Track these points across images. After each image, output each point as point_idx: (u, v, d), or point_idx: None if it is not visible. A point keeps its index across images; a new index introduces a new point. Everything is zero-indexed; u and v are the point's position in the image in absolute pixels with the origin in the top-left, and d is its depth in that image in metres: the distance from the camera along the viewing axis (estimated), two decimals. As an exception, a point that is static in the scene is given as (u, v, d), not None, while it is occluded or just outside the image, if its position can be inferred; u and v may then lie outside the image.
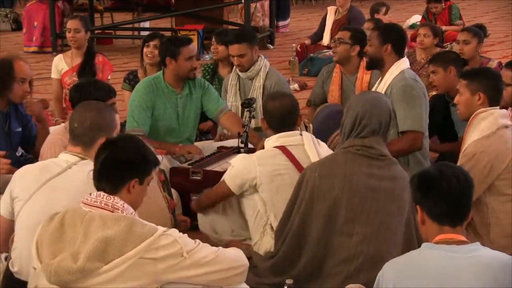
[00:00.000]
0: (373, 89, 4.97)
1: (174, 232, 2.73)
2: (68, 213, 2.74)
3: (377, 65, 4.87)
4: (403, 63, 4.78)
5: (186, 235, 2.79)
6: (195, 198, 4.35)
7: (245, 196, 4.01)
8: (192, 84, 5.11)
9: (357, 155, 3.46)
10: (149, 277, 2.67)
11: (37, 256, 2.73)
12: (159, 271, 2.67)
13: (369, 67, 5.03)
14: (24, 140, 4.76)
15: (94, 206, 2.74)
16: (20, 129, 4.69)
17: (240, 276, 2.91)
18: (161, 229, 2.71)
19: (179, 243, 2.70)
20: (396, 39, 4.78)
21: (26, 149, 4.85)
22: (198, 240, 2.82)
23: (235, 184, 3.97)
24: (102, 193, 2.77)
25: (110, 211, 2.73)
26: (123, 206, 2.76)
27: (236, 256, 2.93)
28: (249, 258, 3.71)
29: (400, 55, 4.79)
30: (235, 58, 5.51)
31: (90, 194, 2.79)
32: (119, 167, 2.81)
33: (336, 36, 5.84)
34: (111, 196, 2.76)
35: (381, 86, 4.79)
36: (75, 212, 2.74)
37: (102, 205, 2.74)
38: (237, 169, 3.98)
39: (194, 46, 5.11)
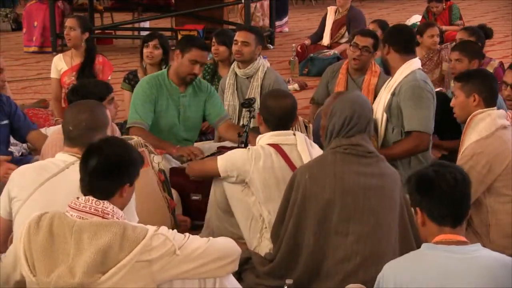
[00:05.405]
0: (382, 88, 4.93)
1: (164, 229, 2.74)
2: (55, 221, 2.71)
3: (388, 67, 4.87)
4: (414, 63, 4.73)
5: (175, 230, 2.80)
6: (189, 164, 4.40)
7: (235, 202, 3.99)
8: (197, 86, 5.11)
9: (345, 154, 3.46)
10: (146, 279, 2.68)
11: (28, 267, 2.69)
12: (154, 271, 2.68)
13: (385, 71, 5.00)
14: (14, 131, 4.71)
15: (83, 212, 2.71)
16: (6, 121, 4.65)
17: (233, 264, 2.91)
18: (151, 229, 2.71)
19: (170, 241, 2.71)
20: (396, 41, 4.73)
21: (20, 139, 4.82)
22: (187, 234, 2.82)
23: (224, 166, 3.96)
24: (91, 197, 2.74)
25: (101, 216, 2.71)
26: (113, 211, 2.74)
27: (227, 244, 2.92)
28: (249, 259, 3.71)
29: (406, 54, 4.72)
30: (239, 43, 5.51)
31: (78, 198, 2.76)
32: (110, 176, 2.78)
33: (361, 44, 5.48)
34: (100, 201, 2.73)
35: (391, 84, 4.77)
36: (62, 220, 2.70)
37: (92, 210, 2.72)
38: (233, 157, 3.97)
39: (206, 54, 5.06)
